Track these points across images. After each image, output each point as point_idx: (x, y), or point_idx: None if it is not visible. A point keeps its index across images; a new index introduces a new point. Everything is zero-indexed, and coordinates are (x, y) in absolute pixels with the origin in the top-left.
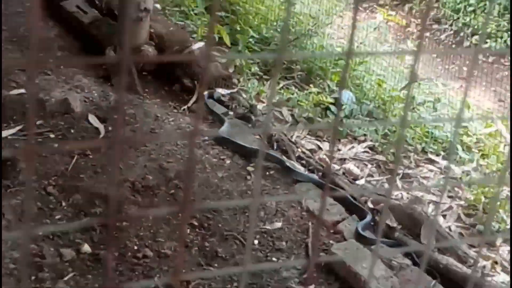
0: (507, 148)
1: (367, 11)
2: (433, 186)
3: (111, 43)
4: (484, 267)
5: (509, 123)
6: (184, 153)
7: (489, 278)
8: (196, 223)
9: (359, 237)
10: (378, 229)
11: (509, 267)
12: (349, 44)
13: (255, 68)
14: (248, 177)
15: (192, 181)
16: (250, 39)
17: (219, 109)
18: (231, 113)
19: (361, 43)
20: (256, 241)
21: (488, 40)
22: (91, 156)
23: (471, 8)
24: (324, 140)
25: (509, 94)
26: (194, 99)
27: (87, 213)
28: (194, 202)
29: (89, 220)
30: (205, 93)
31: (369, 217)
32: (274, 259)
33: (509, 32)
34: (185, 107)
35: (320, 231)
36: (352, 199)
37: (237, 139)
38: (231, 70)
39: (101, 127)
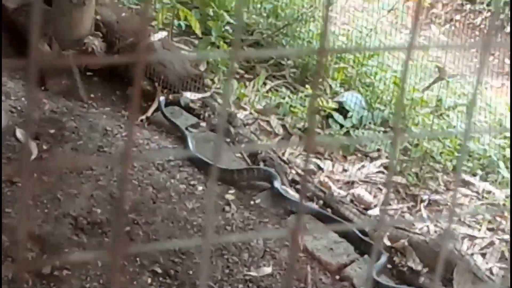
0: None
1: None
2: (468, 214)
3: (45, 34)
4: None
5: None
6: (143, 177)
7: None
8: (159, 270)
9: (377, 284)
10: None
11: None
12: (321, 39)
13: (234, 65)
14: (227, 208)
15: (123, 215)
16: (227, 27)
17: (187, 119)
18: (203, 124)
19: (371, 30)
20: None
21: None
22: (19, 184)
23: None
24: (326, 158)
25: None
26: (154, 106)
27: (15, 260)
28: (130, 244)
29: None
30: (161, 98)
31: (383, 258)
32: None
33: None
34: (143, 117)
35: (297, 255)
36: (361, 235)
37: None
38: (202, 68)
39: (32, 145)
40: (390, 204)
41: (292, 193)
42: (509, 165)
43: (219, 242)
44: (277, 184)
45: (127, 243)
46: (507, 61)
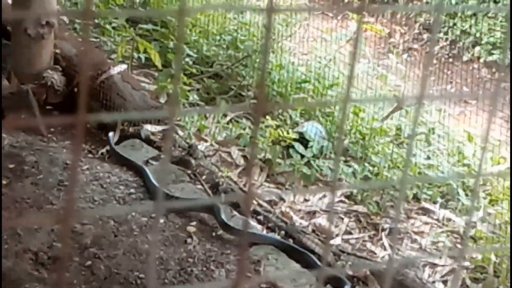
0: None
1: (339, 18)
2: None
3: (4, 68)
4: None
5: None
6: (104, 211)
7: None
8: None
9: None
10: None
11: None
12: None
13: (194, 97)
14: (189, 240)
15: (65, 262)
16: (187, 59)
17: (148, 151)
18: (163, 156)
19: (330, 60)
20: None
21: (494, 52)
22: None
23: (470, 12)
24: (287, 188)
25: None
26: (115, 139)
27: None
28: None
29: None
30: (110, 134)
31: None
32: None
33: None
34: (104, 150)
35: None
36: (320, 264)
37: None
38: (162, 100)
39: None
40: (351, 233)
41: (253, 224)
42: (469, 193)
43: (180, 274)
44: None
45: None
46: (465, 88)
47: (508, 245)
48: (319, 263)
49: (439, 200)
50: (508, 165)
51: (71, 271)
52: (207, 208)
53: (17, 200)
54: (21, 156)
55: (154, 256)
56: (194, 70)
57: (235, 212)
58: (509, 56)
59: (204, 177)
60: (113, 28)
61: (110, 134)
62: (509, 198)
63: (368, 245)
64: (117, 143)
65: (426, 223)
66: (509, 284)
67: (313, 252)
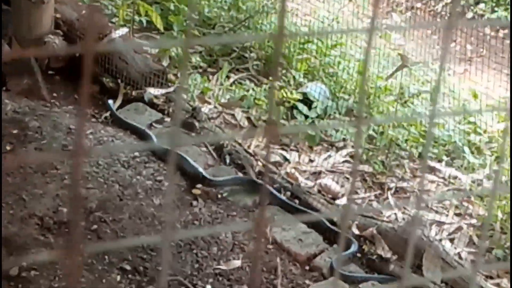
0: None
1: None
2: (435, 200)
3: (4, 34)
4: None
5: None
6: (109, 175)
7: None
8: (128, 267)
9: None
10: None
11: None
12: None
13: (196, 59)
14: (194, 202)
15: (79, 212)
16: (188, 21)
17: (151, 115)
18: (167, 119)
19: (333, 20)
20: (208, 286)
21: (496, 9)
22: None
23: None
24: (292, 149)
25: None
26: (118, 103)
27: None
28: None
29: None
30: (110, 101)
31: (353, 247)
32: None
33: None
34: (107, 114)
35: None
36: (330, 225)
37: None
38: (165, 63)
39: None
40: (357, 193)
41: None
42: (474, 150)
43: (187, 237)
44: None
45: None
46: (469, 46)
47: None
48: (326, 223)
49: (445, 158)
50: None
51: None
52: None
53: (21, 165)
54: (24, 121)
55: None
56: (196, 32)
57: (240, 174)
58: None
59: (208, 139)
60: None
61: (110, 101)
62: None
63: (374, 204)
64: (120, 106)
65: (432, 182)
66: None
67: (317, 211)
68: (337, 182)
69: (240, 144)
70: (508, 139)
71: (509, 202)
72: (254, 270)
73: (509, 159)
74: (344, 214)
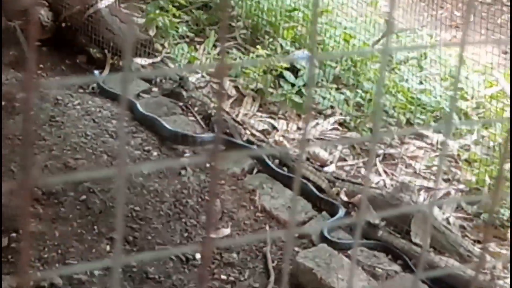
0: None
1: None
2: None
3: None
4: (493, 267)
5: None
6: (97, 145)
7: (500, 282)
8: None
9: (326, 242)
10: (355, 229)
11: None
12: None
13: (183, 28)
14: (183, 171)
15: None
16: None
17: (139, 85)
18: (155, 89)
19: None
20: (198, 255)
21: None
22: None
23: None
24: (280, 118)
25: None
26: (105, 73)
27: None
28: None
29: None
30: (95, 72)
31: (341, 212)
32: (223, 276)
33: None
34: (94, 85)
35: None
36: (318, 192)
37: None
38: (152, 33)
39: None
40: (345, 160)
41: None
42: (462, 117)
43: (175, 206)
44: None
45: None
46: (457, 13)
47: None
48: (315, 190)
49: (433, 124)
50: (498, 88)
51: (66, 206)
52: None
53: (9, 137)
54: (11, 93)
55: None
56: (182, 1)
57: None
58: None
59: (196, 108)
60: None
61: (95, 71)
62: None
63: (363, 171)
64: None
65: (420, 148)
66: (505, 206)
67: (308, 180)
68: (325, 150)
69: (228, 113)
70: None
71: (509, 201)
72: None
73: (499, 124)
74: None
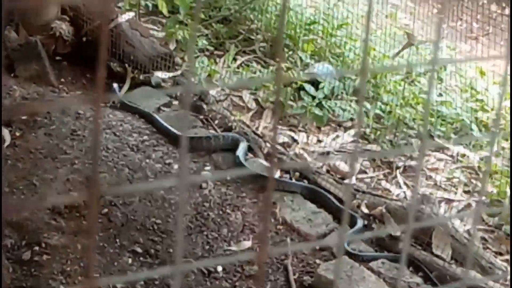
0: None
1: None
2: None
3: (11, 20)
4: None
5: None
6: (118, 159)
7: None
8: (139, 250)
9: (347, 254)
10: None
11: None
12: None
13: (203, 42)
14: (204, 184)
15: (97, 157)
16: (194, 4)
17: (159, 98)
18: (175, 102)
19: (338, 0)
20: (219, 268)
21: None
22: None
23: None
24: (300, 130)
25: None
26: (126, 87)
27: None
28: (102, 188)
29: None
30: (115, 85)
31: (359, 223)
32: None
33: None
34: (115, 98)
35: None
36: (338, 203)
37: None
38: (172, 46)
39: (5, 132)
40: (366, 172)
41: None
42: (482, 128)
43: (196, 219)
44: (240, 151)
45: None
46: (475, 24)
47: None
48: (336, 202)
49: (453, 136)
50: None
51: (88, 219)
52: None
53: (31, 150)
54: (33, 107)
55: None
56: (202, 15)
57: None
58: None
59: (216, 121)
60: None
61: (114, 85)
62: None
63: (383, 183)
64: (128, 90)
65: (440, 160)
66: None
67: (328, 192)
68: (345, 162)
69: (248, 126)
70: None
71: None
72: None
73: None
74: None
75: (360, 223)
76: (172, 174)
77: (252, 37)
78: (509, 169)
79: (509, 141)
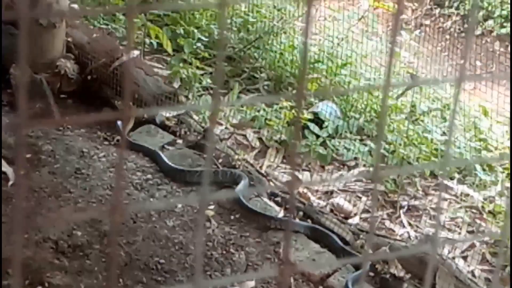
0: None
1: None
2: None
3: (15, 58)
4: None
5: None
6: (122, 197)
7: None
8: None
9: None
10: (378, 280)
11: None
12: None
13: (207, 80)
14: (208, 224)
15: (121, 188)
16: (198, 43)
17: (163, 137)
18: (179, 141)
19: (342, 39)
20: None
21: (506, 24)
22: None
23: None
24: (304, 169)
25: None
26: (130, 125)
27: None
28: (124, 207)
29: None
30: (119, 122)
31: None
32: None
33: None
34: (119, 137)
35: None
36: (342, 245)
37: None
38: (176, 85)
39: (9, 171)
40: (369, 212)
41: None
42: (485, 168)
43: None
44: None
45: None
46: (478, 63)
47: None
48: (339, 242)
49: (456, 175)
50: None
51: (91, 259)
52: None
53: (35, 189)
54: (37, 145)
55: (200, 251)
56: (206, 54)
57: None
58: None
59: (220, 160)
60: (123, 15)
61: (118, 122)
62: None
63: (387, 223)
64: (132, 129)
65: (444, 199)
66: None
67: (332, 231)
68: (349, 201)
69: (252, 165)
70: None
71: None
72: None
73: None
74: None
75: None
76: (176, 213)
77: (256, 76)
78: None
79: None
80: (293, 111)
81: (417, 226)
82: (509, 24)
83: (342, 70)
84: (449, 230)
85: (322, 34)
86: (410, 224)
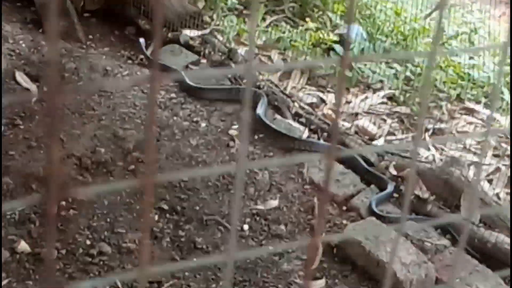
0: None
1: None
2: (473, 136)
3: None
4: None
5: None
6: (146, 116)
7: None
8: (166, 207)
9: (374, 215)
10: (403, 203)
11: None
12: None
13: (232, 1)
14: (231, 143)
15: (153, 143)
16: None
17: (187, 56)
18: (203, 61)
19: None
20: (246, 226)
21: None
22: (22, 127)
23: None
24: (328, 91)
25: None
26: (154, 44)
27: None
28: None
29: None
30: (141, 40)
31: (390, 188)
32: (270, 247)
33: None
34: (143, 56)
35: (326, 206)
36: (367, 166)
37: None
38: (201, 5)
39: (33, 87)
40: (394, 134)
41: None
42: None
43: (223, 177)
44: (260, 109)
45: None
46: None
47: None
48: (363, 163)
49: (483, 99)
50: None
51: (114, 175)
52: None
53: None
54: (61, 63)
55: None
56: None
57: (277, 115)
58: None
59: (244, 80)
60: None
61: (141, 40)
62: None
63: (411, 145)
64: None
65: (470, 123)
66: None
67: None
68: (374, 124)
69: (276, 86)
70: None
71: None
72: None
73: None
74: None
75: (390, 187)
76: (200, 132)
77: None
78: None
79: None
80: (318, 32)
81: (442, 149)
82: None
83: None
84: (475, 153)
85: None
86: (435, 147)
